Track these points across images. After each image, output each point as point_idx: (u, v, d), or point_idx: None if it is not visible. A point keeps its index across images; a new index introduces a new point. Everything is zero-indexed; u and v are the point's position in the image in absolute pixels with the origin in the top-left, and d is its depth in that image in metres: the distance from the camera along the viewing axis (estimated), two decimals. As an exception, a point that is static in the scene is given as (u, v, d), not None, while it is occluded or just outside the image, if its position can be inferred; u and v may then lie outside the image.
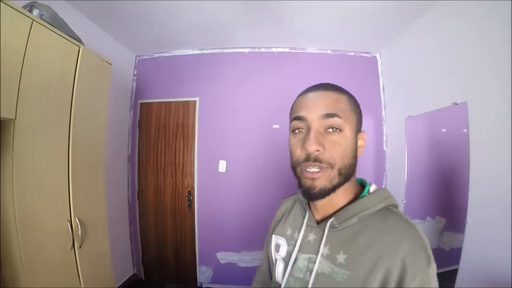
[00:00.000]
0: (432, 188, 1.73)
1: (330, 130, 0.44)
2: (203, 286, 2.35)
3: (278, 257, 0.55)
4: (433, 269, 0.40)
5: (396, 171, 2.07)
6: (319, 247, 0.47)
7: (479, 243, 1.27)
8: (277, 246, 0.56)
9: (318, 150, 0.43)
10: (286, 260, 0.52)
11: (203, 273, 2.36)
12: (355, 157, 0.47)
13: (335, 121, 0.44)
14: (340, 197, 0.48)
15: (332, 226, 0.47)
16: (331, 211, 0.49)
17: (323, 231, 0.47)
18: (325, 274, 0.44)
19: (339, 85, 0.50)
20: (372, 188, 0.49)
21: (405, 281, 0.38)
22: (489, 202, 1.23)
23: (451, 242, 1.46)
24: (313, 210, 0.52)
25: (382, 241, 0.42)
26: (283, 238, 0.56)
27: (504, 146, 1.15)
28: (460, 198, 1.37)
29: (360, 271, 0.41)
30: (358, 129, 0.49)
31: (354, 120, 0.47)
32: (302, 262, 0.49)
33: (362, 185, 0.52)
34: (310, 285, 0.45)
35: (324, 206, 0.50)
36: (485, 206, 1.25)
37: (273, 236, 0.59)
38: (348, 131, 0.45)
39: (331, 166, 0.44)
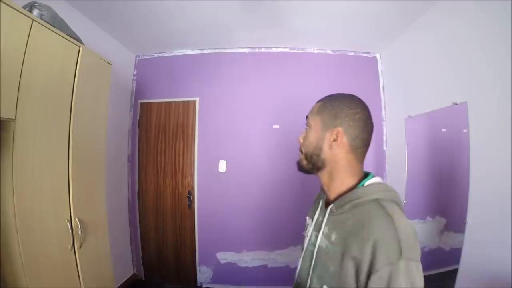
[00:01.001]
0: (432, 188, 1.73)
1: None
2: (203, 286, 2.35)
3: (304, 234, 0.69)
4: (406, 265, 0.42)
5: (396, 171, 2.07)
6: (321, 227, 0.58)
7: (479, 243, 1.27)
8: (306, 225, 0.70)
9: (300, 142, 0.64)
10: (307, 237, 0.66)
11: (203, 273, 2.36)
12: (318, 148, 0.59)
13: (306, 122, 0.63)
14: (335, 186, 0.59)
15: (331, 211, 0.57)
16: (332, 197, 0.60)
17: (326, 214, 0.59)
18: (322, 248, 0.56)
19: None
20: (369, 181, 0.56)
21: (374, 267, 0.43)
22: (489, 202, 1.23)
23: (451, 242, 1.46)
24: (326, 193, 0.64)
25: (362, 228, 0.48)
26: (310, 219, 0.69)
27: (504, 146, 1.15)
28: (460, 198, 1.37)
29: (342, 249, 0.50)
30: (330, 126, 0.58)
31: (322, 121, 0.59)
32: (313, 238, 0.61)
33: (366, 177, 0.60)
34: (314, 255, 0.57)
35: (326, 191, 0.61)
36: (485, 206, 1.25)
37: (307, 217, 0.73)
38: (314, 128, 0.60)
39: (302, 151, 0.63)
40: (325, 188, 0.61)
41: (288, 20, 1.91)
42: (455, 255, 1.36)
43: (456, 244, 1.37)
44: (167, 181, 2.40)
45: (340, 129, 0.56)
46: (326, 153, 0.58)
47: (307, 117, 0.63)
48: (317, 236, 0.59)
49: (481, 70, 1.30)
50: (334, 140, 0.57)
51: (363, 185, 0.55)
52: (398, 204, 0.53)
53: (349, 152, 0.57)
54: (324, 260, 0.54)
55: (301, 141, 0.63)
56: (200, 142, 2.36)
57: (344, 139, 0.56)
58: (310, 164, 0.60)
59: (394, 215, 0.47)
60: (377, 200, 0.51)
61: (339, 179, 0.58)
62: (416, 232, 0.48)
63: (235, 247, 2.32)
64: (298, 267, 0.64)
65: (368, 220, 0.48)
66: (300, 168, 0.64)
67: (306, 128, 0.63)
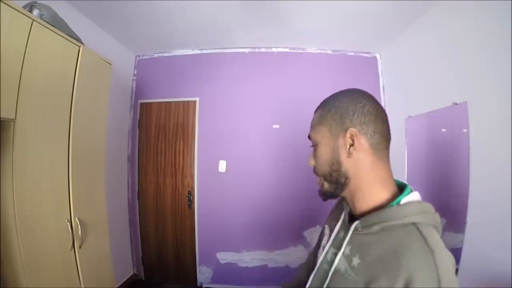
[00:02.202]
0: (432, 188, 1.73)
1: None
2: (203, 286, 2.35)
3: (322, 244, 0.58)
4: None
5: (396, 171, 2.06)
6: (342, 245, 0.48)
7: (479, 243, 1.27)
8: (322, 235, 0.61)
9: (311, 164, 0.54)
10: (322, 250, 0.56)
11: (203, 273, 2.36)
12: (336, 162, 0.49)
13: (311, 141, 0.54)
14: (363, 199, 0.48)
15: (356, 229, 0.47)
16: (358, 212, 0.49)
17: (349, 231, 0.48)
18: (340, 272, 0.46)
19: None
20: (406, 199, 0.44)
21: None
22: (489, 202, 1.23)
23: (451, 242, 1.46)
24: (350, 206, 0.53)
25: (394, 259, 0.39)
26: (328, 228, 0.59)
27: (504, 146, 1.14)
28: (460, 198, 1.37)
29: (366, 279, 0.41)
30: (340, 131, 0.48)
31: (328, 129, 0.50)
32: (330, 256, 0.51)
33: (402, 190, 0.49)
34: (328, 277, 0.48)
35: (350, 204, 0.51)
36: (485, 206, 1.25)
37: (325, 225, 0.63)
38: (322, 141, 0.51)
39: (318, 174, 0.52)
40: (349, 201, 0.51)
41: (288, 20, 1.91)
42: (455, 255, 1.34)
43: (456, 244, 1.37)
44: (167, 181, 2.40)
45: (353, 129, 0.46)
46: (346, 164, 0.48)
47: (309, 136, 0.54)
48: (335, 255, 0.49)
49: (481, 70, 1.30)
50: (351, 145, 0.47)
51: (398, 203, 0.44)
52: (437, 228, 0.43)
53: (372, 154, 0.47)
54: (340, 286, 0.45)
55: (313, 163, 0.53)
56: (200, 142, 2.36)
57: (362, 140, 0.46)
58: (334, 184, 0.49)
59: (436, 248, 0.38)
60: (414, 225, 0.41)
61: (367, 191, 0.47)
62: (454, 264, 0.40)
63: (235, 247, 2.32)
64: (307, 286, 0.54)
65: (403, 250, 0.38)
66: (324, 194, 0.52)
67: (313, 148, 0.54)
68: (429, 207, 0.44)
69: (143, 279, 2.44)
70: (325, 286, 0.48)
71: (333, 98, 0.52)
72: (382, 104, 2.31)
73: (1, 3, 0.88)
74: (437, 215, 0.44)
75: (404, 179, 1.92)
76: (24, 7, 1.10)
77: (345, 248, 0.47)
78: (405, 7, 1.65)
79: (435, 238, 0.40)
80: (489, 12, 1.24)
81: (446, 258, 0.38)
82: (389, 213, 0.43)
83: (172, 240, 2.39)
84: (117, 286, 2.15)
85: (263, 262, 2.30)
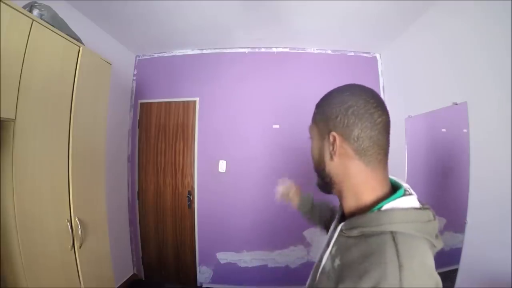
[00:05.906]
0: (432, 188, 1.73)
1: None
2: (203, 286, 2.35)
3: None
4: None
5: (396, 171, 2.07)
6: (330, 244, 0.48)
7: (479, 243, 1.27)
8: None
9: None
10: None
11: (203, 273, 2.36)
12: (321, 162, 0.49)
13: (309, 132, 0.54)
14: (347, 202, 0.48)
15: (341, 230, 0.46)
16: (346, 213, 0.49)
17: (336, 231, 0.48)
18: (325, 271, 0.46)
19: (339, 85, 0.51)
20: (389, 205, 0.41)
21: None
22: (489, 202, 1.23)
23: (451, 242, 1.46)
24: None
25: (360, 267, 0.37)
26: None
27: (504, 146, 1.14)
28: (460, 198, 1.37)
29: (337, 280, 0.41)
30: (325, 133, 0.48)
31: (317, 129, 0.50)
32: (322, 253, 0.50)
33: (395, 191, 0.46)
34: (318, 274, 0.48)
35: (342, 206, 0.50)
36: (485, 206, 1.25)
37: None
38: (314, 139, 0.52)
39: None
40: (340, 200, 0.50)
41: (288, 20, 1.91)
42: (455, 255, 1.35)
43: (456, 244, 1.37)
44: (167, 181, 2.40)
45: (334, 133, 0.45)
46: (329, 166, 0.47)
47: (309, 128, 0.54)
48: (324, 253, 0.48)
49: (481, 70, 1.30)
50: (332, 149, 0.46)
51: (379, 209, 0.41)
52: (430, 240, 0.39)
53: (357, 159, 0.44)
54: (323, 285, 0.44)
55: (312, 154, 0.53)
56: (200, 142, 2.36)
57: (344, 145, 0.44)
58: (321, 181, 0.50)
59: (407, 262, 0.34)
60: (392, 234, 0.38)
61: (350, 194, 0.46)
62: None
63: (235, 247, 2.32)
64: (307, 282, 0.54)
65: (372, 259, 0.36)
66: (318, 186, 0.52)
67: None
68: (421, 216, 0.40)
69: (143, 279, 2.44)
70: (315, 282, 0.48)
71: (326, 95, 0.50)
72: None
73: (1, 3, 0.88)
74: (433, 225, 0.41)
75: (404, 180, 1.91)
76: (24, 7, 1.10)
77: (331, 247, 0.47)
78: (405, 7, 1.65)
79: (411, 251, 0.36)
80: (489, 12, 1.24)
81: (417, 275, 0.34)
82: (368, 219, 0.41)
83: (172, 240, 2.39)
84: (117, 286, 2.15)
85: (263, 262, 2.30)
